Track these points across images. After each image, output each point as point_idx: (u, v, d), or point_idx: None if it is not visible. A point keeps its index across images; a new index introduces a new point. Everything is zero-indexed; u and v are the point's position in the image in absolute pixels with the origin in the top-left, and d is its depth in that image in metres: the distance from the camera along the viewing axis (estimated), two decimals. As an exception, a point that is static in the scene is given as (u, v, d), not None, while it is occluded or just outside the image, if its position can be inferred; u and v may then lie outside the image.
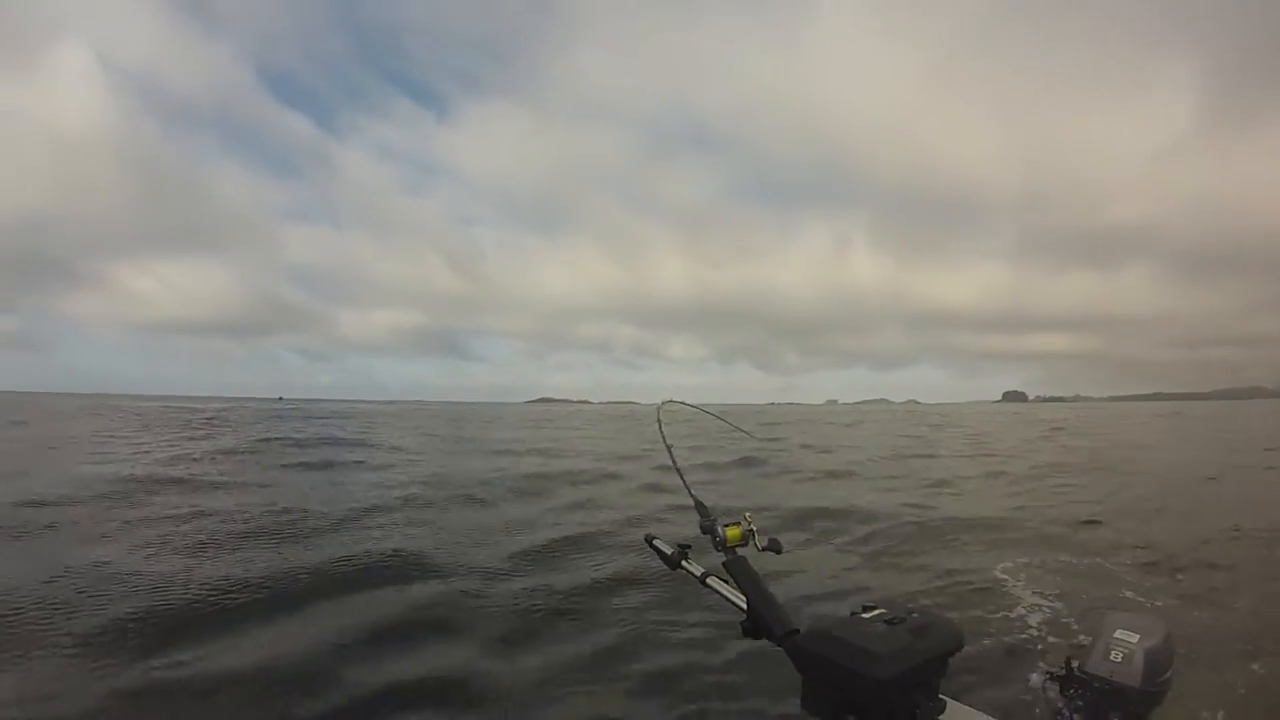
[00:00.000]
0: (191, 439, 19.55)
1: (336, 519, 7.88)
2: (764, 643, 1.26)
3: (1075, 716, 1.83)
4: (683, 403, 1.97)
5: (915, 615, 1.16)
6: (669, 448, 1.72)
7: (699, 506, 1.53)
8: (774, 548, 1.47)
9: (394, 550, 6.29)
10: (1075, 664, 1.86)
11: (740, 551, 1.42)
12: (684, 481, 1.59)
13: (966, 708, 1.29)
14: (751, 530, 1.45)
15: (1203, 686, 3.57)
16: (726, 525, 1.44)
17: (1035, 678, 1.96)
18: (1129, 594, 5.36)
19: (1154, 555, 6.56)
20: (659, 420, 1.86)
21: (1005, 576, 5.73)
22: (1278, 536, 7.38)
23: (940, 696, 1.13)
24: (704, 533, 1.46)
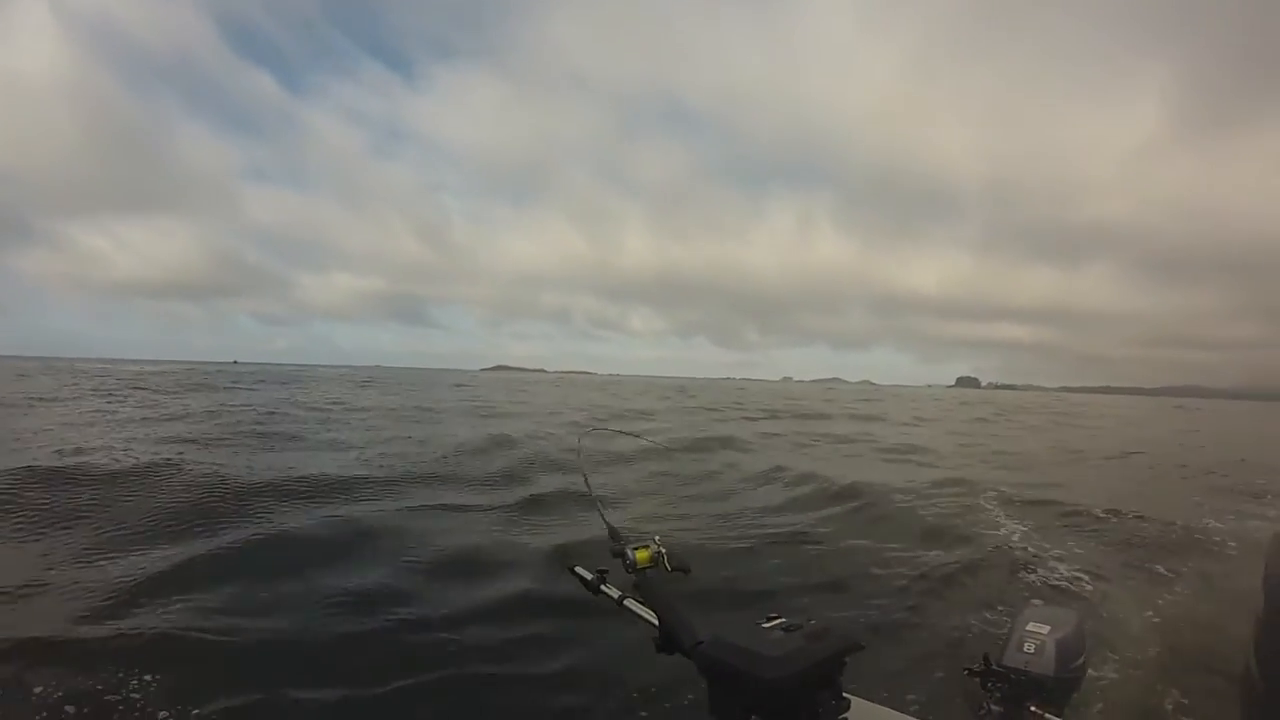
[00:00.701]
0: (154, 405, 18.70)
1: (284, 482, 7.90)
2: (677, 656, 1.33)
3: (995, 709, 1.88)
4: (604, 429, 2.07)
5: (813, 622, 1.22)
6: (585, 477, 1.81)
7: (611, 532, 1.58)
8: (682, 568, 1.54)
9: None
10: (992, 659, 1.91)
11: (650, 573, 1.49)
12: (600, 509, 1.65)
13: (871, 704, 1.34)
14: (661, 553, 1.52)
15: (1118, 667, 3.78)
16: (636, 548, 1.51)
17: (954, 674, 2.01)
18: (1039, 586, 5.56)
19: (1059, 544, 6.79)
20: (579, 451, 1.98)
21: (919, 575, 5.72)
22: (1147, 516, 8.02)
23: (845, 695, 1.18)
24: (615, 556, 1.52)
